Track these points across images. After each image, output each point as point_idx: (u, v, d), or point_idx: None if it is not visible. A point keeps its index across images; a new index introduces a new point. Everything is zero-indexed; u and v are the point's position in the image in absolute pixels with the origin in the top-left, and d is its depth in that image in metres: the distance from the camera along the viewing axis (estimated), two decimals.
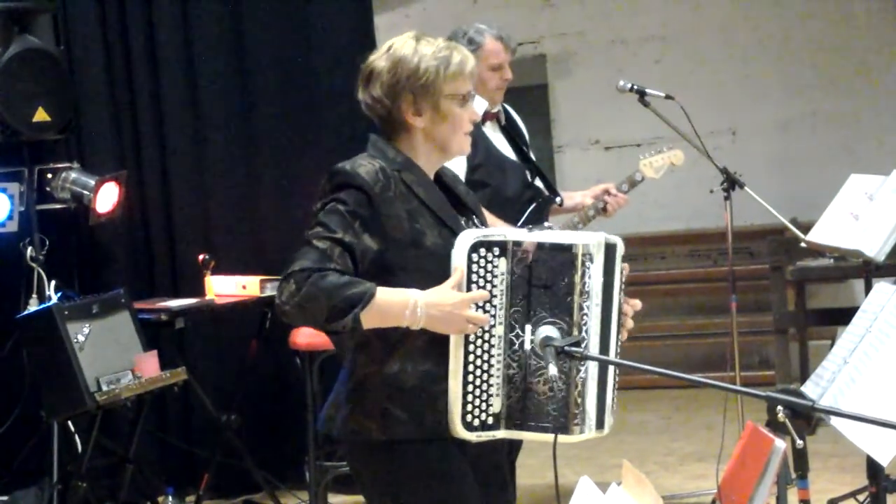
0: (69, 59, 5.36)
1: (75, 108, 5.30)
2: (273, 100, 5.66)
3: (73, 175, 5.12)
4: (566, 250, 2.60)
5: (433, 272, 2.61)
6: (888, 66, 7.96)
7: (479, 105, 4.46)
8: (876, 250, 4.33)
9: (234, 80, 5.67)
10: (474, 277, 2.59)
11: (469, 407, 2.57)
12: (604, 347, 2.66)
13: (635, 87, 4.74)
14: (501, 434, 2.61)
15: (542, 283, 2.59)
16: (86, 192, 5.07)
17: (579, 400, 2.57)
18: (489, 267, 2.60)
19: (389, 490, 2.71)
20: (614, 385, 2.74)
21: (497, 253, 2.60)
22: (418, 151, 2.75)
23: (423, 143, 2.75)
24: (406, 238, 2.64)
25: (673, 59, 8.22)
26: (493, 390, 2.58)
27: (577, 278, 2.59)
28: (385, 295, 2.55)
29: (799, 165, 8.01)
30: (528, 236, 2.65)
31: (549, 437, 2.55)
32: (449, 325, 2.56)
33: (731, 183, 4.83)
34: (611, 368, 2.71)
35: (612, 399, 2.73)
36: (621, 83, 4.77)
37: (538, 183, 4.60)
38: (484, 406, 2.58)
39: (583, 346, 2.54)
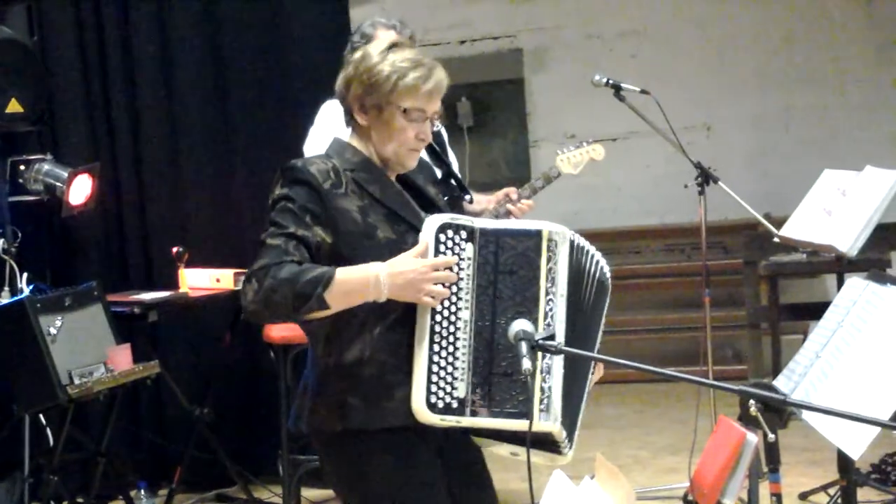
0: (43, 50, 5.32)
1: (48, 100, 5.27)
2: (248, 90, 5.63)
3: (46, 167, 5.08)
4: (533, 236, 2.63)
5: None
6: (862, 62, 8.01)
7: None
8: (848, 245, 4.36)
9: (209, 71, 5.64)
10: (441, 259, 2.60)
11: (433, 388, 2.57)
12: (575, 344, 2.64)
13: (611, 81, 4.74)
14: (466, 421, 2.60)
15: (509, 269, 2.61)
16: (59, 183, 5.04)
17: (544, 385, 2.57)
18: (456, 249, 2.61)
19: (353, 481, 2.70)
20: (584, 401, 2.73)
21: (464, 236, 2.62)
22: (371, 150, 2.76)
23: (370, 142, 2.76)
24: (358, 230, 2.65)
25: (649, 54, 8.24)
26: (458, 374, 2.58)
27: (543, 263, 2.61)
28: (345, 272, 2.57)
29: (773, 160, 8.05)
30: (495, 223, 2.68)
31: (513, 423, 2.55)
32: (412, 291, 2.57)
33: (706, 178, 4.83)
34: (587, 382, 2.71)
35: (580, 416, 2.71)
36: (597, 77, 4.77)
37: (454, 178, 4.48)
38: (448, 388, 2.58)
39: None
